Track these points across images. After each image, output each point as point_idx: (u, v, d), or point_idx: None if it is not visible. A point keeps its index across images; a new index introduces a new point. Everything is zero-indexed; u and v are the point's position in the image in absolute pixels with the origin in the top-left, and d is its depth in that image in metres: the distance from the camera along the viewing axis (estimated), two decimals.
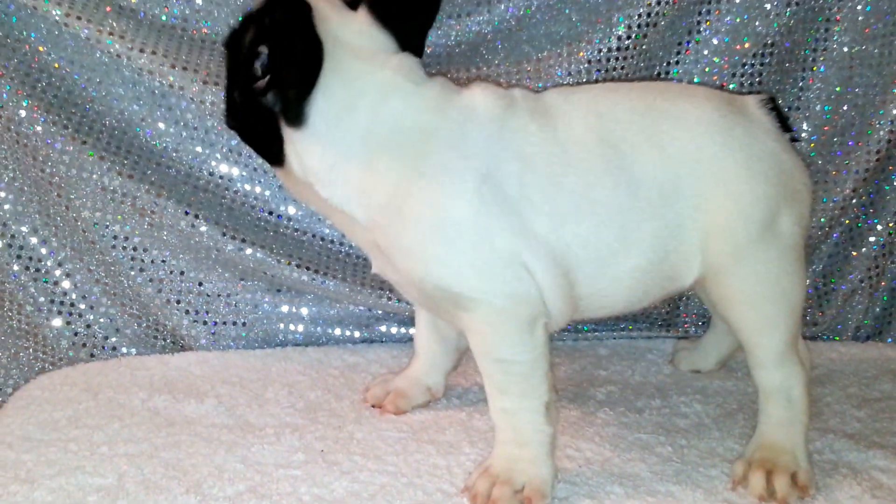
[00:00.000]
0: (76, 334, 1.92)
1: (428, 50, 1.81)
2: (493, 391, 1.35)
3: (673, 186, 1.35)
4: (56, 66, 1.77)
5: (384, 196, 1.31)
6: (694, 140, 1.36)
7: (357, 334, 1.98)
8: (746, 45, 1.83)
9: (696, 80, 1.86)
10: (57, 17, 1.72)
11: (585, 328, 2.01)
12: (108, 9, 1.75)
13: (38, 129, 1.77)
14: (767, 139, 1.39)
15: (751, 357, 1.42)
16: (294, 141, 1.32)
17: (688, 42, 1.85)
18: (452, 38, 1.83)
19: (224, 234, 1.85)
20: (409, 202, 1.30)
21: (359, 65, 1.32)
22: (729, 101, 1.43)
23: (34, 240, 1.87)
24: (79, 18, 1.71)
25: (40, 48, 1.76)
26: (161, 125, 1.81)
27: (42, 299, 1.90)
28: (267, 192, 1.87)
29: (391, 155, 1.31)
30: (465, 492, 1.31)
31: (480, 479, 1.30)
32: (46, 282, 1.90)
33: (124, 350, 1.93)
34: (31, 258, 1.88)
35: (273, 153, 1.36)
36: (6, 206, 1.85)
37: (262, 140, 1.37)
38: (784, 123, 1.44)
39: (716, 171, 1.35)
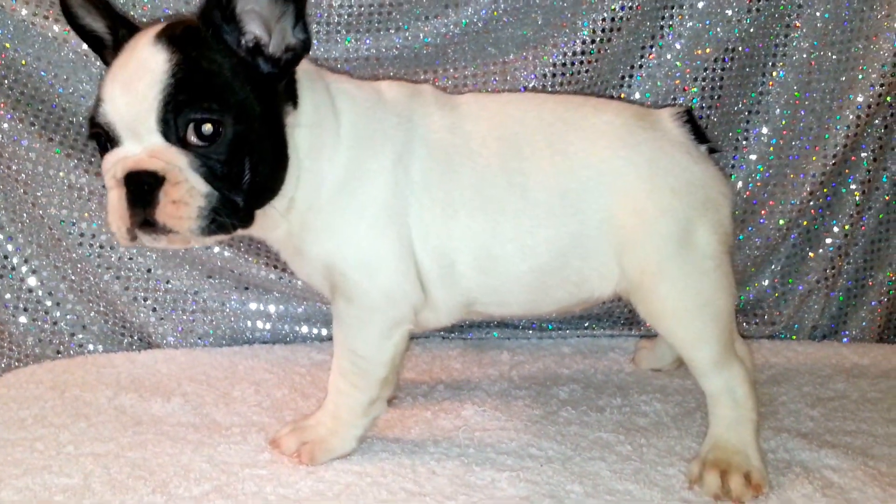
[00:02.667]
0: (42, 331, 1.92)
1: (395, 51, 1.83)
2: (336, 369, 1.44)
3: (577, 197, 1.37)
4: (23, 63, 1.77)
5: (333, 174, 1.34)
6: (598, 153, 1.39)
7: (324, 332, 2.00)
8: (708, 51, 1.86)
9: (658, 83, 1.88)
10: (24, 16, 1.72)
11: (550, 326, 2.03)
12: None
13: (5, 126, 1.78)
14: (676, 152, 1.41)
15: (689, 366, 1.45)
16: (292, 127, 1.31)
17: (651, 46, 1.87)
18: (420, 40, 1.83)
19: None
20: (347, 177, 1.34)
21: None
22: (640, 116, 1.45)
23: (0, 236, 1.87)
24: (46, 17, 1.72)
25: (6, 45, 1.76)
26: None
27: (8, 296, 1.90)
28: None
29: (335, 134, 1.35)
30: (272, 444, 1.44)
31: (290, 432, 1.44)
32: (12, 279, 1.90)
33: (91, 347, 1.94)
34: None
35: (285, 156, 1.31)
36: None
37: (282, 144, 1.31)
38: (700, 135, 1.46)
39: (620, 186, 1.37)
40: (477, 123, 1.41)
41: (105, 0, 1.35)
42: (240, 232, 1.31)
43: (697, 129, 1.46)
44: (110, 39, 1.34)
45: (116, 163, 1.23)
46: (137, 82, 1.20)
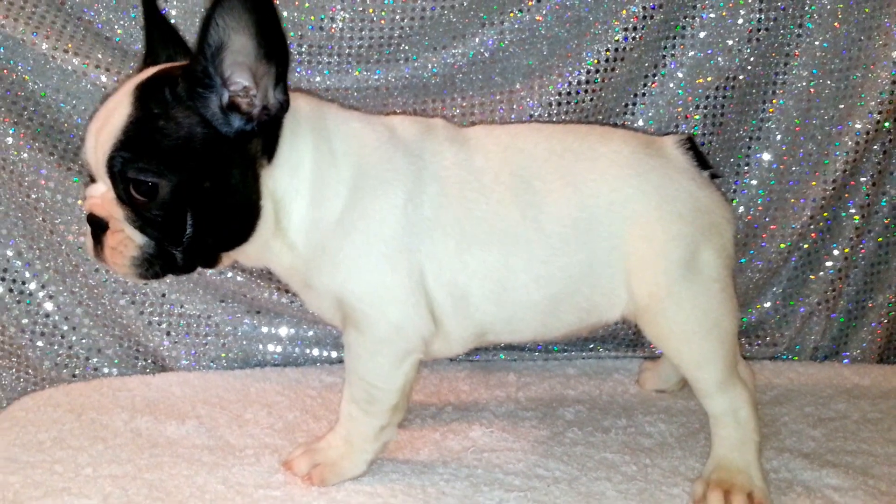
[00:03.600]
0: (59, 355, 1.95)
1: (404, 81, 1.87)
2: (347, 396, 1.46)
3: (588, 226, 1.40)
4: (42, 94, 1.81)
5: (335, 213, 1.37)
6: (608, 182, 1.41)
7: (334, 354, 2.02)
8: (709, 79, 1.89)
9: (661, 111, 1.92)
10: (44, 50, 1.76)
11: (556, 348, 2.06)
12: (94, 42, 1.79)
13: (24, 155, 1.81)
14: (682, 179, 1.44)
15: (694, 387, 1.47)
16: (267, 179, 1.34)
17: (654, 75, 1.91)
18: (428, 70, 1.87)
19: None
20: (352, 214, 1.36)
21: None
22: (646, 144, 1.48)
23: (19, 263, 1.91)
24: (65, 51, 1.76)
25: (26, 77, 1.79)
26: None
27: (25, 321, 1.93)
28: None
29: (335, 175, 1.38)
30: (285, 465, 1.48)
31: (303, 454, 1.47)
32: (30, 304, 1.93)
33: (106, 371, 1.96)
34: (14, 280, 1.91)
35: (253, 209, 1.34)
36: None
37: (244, 200, 1.34)
38: (703, 161, 1.49)
39: (630, 213, 1.40)
40: (488, 158, 1.43)
41: (177, 35, 1.47)
42: (244, 263, 1.42)
43: (700, 156, 1.49)
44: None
45: (87, 198, 1.35)
46: (101, 130, 1.28)
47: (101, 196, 1.31)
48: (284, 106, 1.31)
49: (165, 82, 1.29)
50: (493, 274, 1.40)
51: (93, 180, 1.35)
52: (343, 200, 1.37)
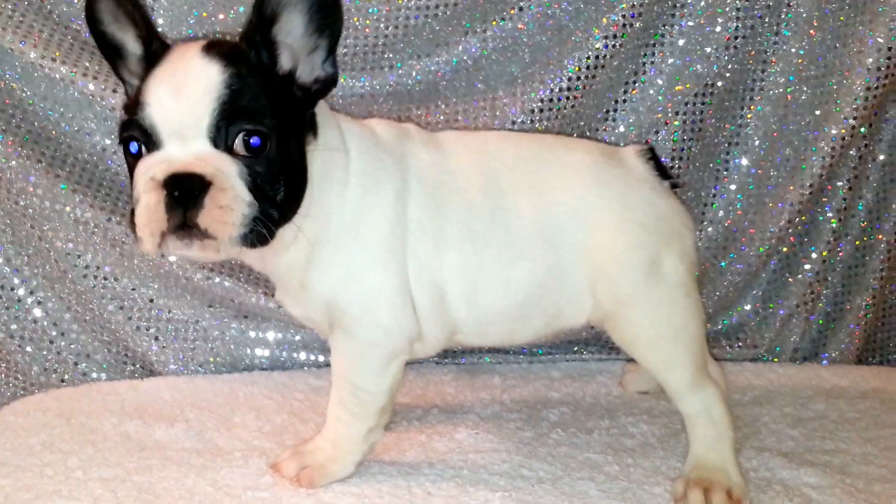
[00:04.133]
0: (47, 360, 1.96)
1: (388, 88, 1.89)
2: (335, 398, 1.47)
3: (553, 232, 1.42)
4: (30, 102, 1.82)
5: (341, 207, 1.37)
6: (572, 190, 1.44)
7: (321, 358, 2.03)
8: (688, 86, 1.92)
9: (641, 117, 1.94)
10: (32, 58, 1.77)
11: (540, 351, 2.08)
12: (81, 50, 1.80)
13: (13, 163, 1.83)
14: (643, 188, 1.47)
15: (665, 389, 1.50)
16: (310, 154, 1.34)
17: (634, 82, 1.93)
18: (412, 77, 1.89)
19: (193, 264, 1.91)
20: (348, 213, 1.37)
21: None
22: (608, 154, 1.51)
23: (7, 269, 1.92)
24: (53, 60, 1.77)
25: (14, 86, 1.81)
26: None
27: (14, 326, 1.94)
28: None
29: (345, 166, 1.39)
30: (273, 468, 1.48)
31: (291, 457, 1.47)
32: (18, 309, 1.93)
33: (95, 376, 1.97)
34: (3, 287, 1.92)
35: (305, 183, 1.33)
36: None
37: (304, 172, 1.33)
38: (663, 171, 1.52)
39: (593, 221, 1.43)
40: (460, 161, 1.45)
41: (143, 12, 1.36)
42: (246, 260, 1.39)
43: (660, 166, 1.52)
44: (139, 50, 1.34)
45: (156, 165, 1.22)
46: (191, 88, 1.22)
47: (197, 155, 1.22)
48: (335, 78, 1.33)
49: (235, 48, 1.29)
50: (466, 274, 1.42)
51: (146, 149, 1.25)
52: (350, 196, 1.38)
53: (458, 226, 1.42)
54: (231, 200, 1.21)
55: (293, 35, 1.28)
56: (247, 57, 1.28)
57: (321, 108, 1.39)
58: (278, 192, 1.26)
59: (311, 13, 1.26)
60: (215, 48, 1.28)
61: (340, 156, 1.38)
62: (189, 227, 1.21)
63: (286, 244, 1.36)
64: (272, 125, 1.24)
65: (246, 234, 1.22)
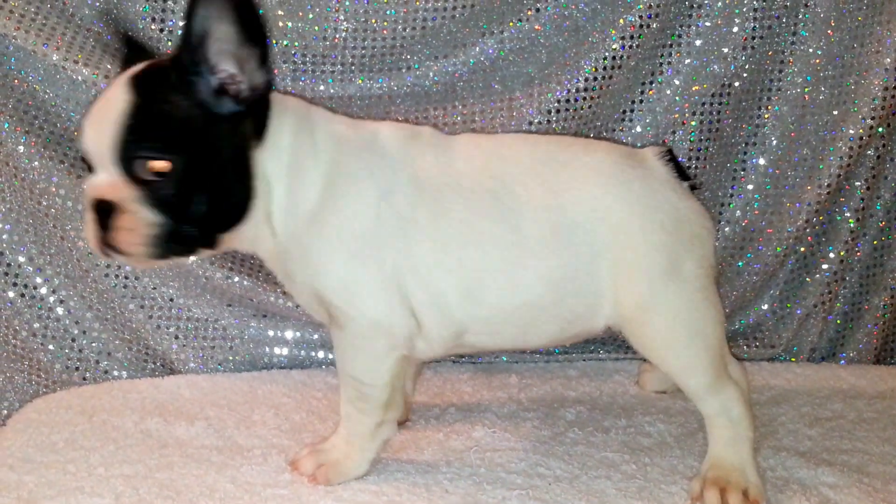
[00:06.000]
0: (69, 359, 1.98)
1: (406, 89, 1.90)
2: (343, 396, 1.50)
3: (568, 232, 1.41)
4: (52, 104, 1.84)
5: (309, 204, 1.41)
6: (590, 191, 1.43)
7: None
8: (705, 86, 1.92)
9: (658, 118, 1.94)
10: (55, 61, 1.79)
11: (556, 350, 2.08)
12: (103, 53, 1.83)
13: (36, 164, 1.85)
14: (664, 189, 1.46)
15: (685, 392, 1.49)
16: (257, 159, 1.39)
17: (651, 83, 1.93)
18: (430, 79, 1.90)
19: (213, 263, 1.92)
20: (324, 209, 1.40)
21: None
22: (628, 155, 1.50)
23: (30, 268, 1.93)
24: (75, 62, 1.79)
25: (36, 87, 1.83)
26: None
27: (37, 325, 1.96)
28: None
29: (313, 165, 1.42)
30: (292, 465, 1.51)
31: (308, 454, 1.50)
32: (41, 308, 1.96)
33: (116, 374, 1.99)
34: (26, 286, 1.94)
35: (248, 188, 1.39)
36: (3, 237, 1.91)
37: (240, 178, 1.39)
38: (682, 172, 1.50)
39: (613, 223, 1.41)
40: (470, 162, 1.46)
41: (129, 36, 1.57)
42: (231, 246, 1.45)
43: (679, 167, 1.50)
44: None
45: (88, 187, 1.36)
46: (104, 118, 1.32)
47: (109, 182, 1.34)
48: (269, 84, 1.37)
49: (157, 73, 1.36)
50: (469, 273, 1.41)
51: (89, 171, 1.38)
52: (317, 193, 1.41)
53: (460, 226, 1.42)
54: (134, 223, 1.33)
55: (228, 48, 1.32)
56: (167, 80, 1.34)
57: (293, 109, 1.44)
58: (198, 207, 1.35)
59: (237, 25, 1.30)
60: (141, 74, 1.36)
61: (308, 154, 1.42)
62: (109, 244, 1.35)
63: (261, 238, 1.44)
64: (174, 149, 1.32)
65: (158, 251, 1.35)
